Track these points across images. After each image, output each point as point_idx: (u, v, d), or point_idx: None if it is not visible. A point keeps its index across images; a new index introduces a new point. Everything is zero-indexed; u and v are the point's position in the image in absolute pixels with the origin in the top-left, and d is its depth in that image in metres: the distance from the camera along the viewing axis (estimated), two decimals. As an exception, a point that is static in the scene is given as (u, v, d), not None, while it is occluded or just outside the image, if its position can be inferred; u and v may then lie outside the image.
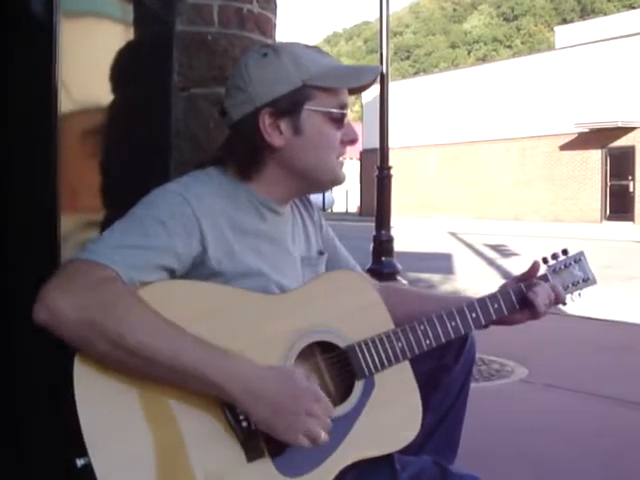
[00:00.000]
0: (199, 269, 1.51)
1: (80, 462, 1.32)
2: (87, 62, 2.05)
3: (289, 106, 1.58)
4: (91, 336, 1.31)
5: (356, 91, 1.70)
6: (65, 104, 1.91)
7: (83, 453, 1.30)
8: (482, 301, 1.74)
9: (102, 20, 2.17)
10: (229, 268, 1.53)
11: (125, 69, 2.15)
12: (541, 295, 1.75)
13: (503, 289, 1.79)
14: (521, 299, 1.77)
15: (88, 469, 1.30)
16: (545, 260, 1.87)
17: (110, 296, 1.34)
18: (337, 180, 1.69)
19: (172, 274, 1.47)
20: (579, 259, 1.91)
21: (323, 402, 1.40)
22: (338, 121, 1.63)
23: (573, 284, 1.88)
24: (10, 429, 1.91)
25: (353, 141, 1.68)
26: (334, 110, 1.62)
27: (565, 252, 1.89)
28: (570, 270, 1.88)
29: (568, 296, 1.87)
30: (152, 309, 1.37)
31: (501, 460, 2.89)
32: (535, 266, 1.82)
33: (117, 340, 1.31)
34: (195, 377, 1.34)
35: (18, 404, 1.92)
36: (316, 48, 1.68)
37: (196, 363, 1.33)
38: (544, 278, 1.83)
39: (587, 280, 1.90)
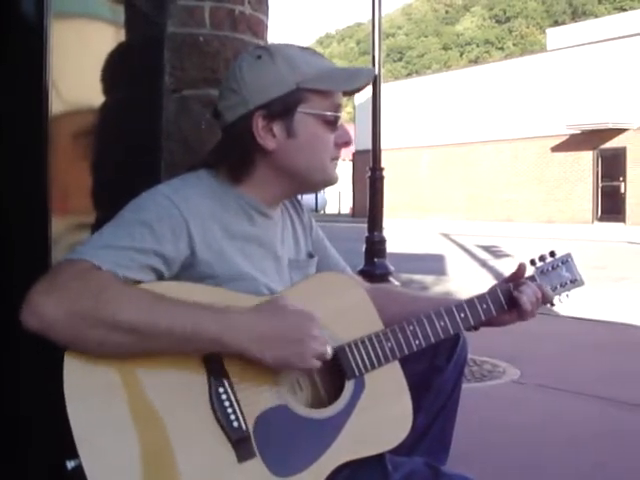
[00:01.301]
0: (189, 272, 1.51)
1: (70, 464, 1.32)
2: (78, 63, 2.05)
3: (282, 109, 1.58)
4: (83, 327, 1.31)
5: (349, 93, 1.70)
6: (56, 105, 1.90)
7: (73, 455, 1.30)
8: (470, 302, 1.75)
9: (93, 21, 2.17)
10: (219, 270, 1.53)
11: (116, 71, 2.15)
12: (527, 294, 1.76)
13: (491, 290, 1.80)
14: (509, 299, 1.78)
15: (78, 471, 1.30)
16: (533, 262, 1.88)
17: (94, 283, 1.34)
18: (330, 181, 1.69)
19: (160, 276, 1.47)
20: (566, 260, 1.92)
21: (315, 319, 1.45)
22: (332, 124, 1.63)
23: (561, 285, 1.89)
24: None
25: (347, 143, 1.68)
26: (328, 113, 1.62)
27: (553, 254, 1.90)
28: (558, 271, 1.89)
29: (556, 297, 1.88)
30: (136, 286, 1.39)
31: (493, 461, 2.89)
32: (521, 268, 1.83)
33: (111, 322, 1.31)
34: (196, 339, 1.36)
35: (7, 407, 1.91)
36: (310, 50, 1.67)
37: (193, 325, 1.35)
38: (532, 279, 1.84)
39: (575, 281, 1.91)
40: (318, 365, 1.45)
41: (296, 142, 1.60)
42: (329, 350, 1.45)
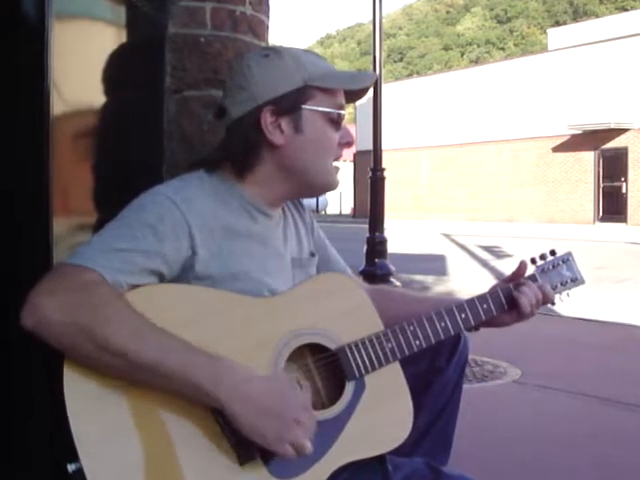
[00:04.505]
0: (189, 272, 1.51)
1: (71, 467, 1.32)
2: (79, 64, 2.05)
3: (291, 105, 1.60)
4: (77, 339, 1.31)
5: (352, 99, 1.72)
6: (58, 106, 1.90)
7: (74, 458, 1.30)
8: (471, 302, 1.75)
9: (94, 22, 2.16)
10: (219, 271, 1.53)
11: (117, 71, 2.14)
12: (527, 294, 1.76)
13: (492, 289, 1.80)
14: (509, 299, 1.78)
15: (80, 474, 1.30)
16: (533, 260, 1.88)
17: (96, 299, 1.34)
18: (332, 184, 1.69)
19: (161, 278, 1.47)
20: (567, 259, 1.92)
21: (310, 411, 1.40)
22: (336, 123, 1.66)
23: (562, 284, 1.89)
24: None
25: (349, 143, 1.71)
26: (333, 110, 1.64)
27: (553, 252, 1.90)
28: (558, 270, 1.89)
29: (557, 296, 1.88)
30: (138, 312, 1.36)
31: (494, 461, 2.89)
32: (522, 266, 1.83)
33: (102, 343, 1.31)
34: (181, 382, 1.33)
35: (7, 410, 1.91)
36: (314, 52, 1.71)
37: (182, 367, 1.33)
38: (532, 278, 1.84)
39: (575, 280, 1.91)
40: (290, 453, 1.36)
41: (303, 138, 1.62)
42: (309, 445, 1.37)
